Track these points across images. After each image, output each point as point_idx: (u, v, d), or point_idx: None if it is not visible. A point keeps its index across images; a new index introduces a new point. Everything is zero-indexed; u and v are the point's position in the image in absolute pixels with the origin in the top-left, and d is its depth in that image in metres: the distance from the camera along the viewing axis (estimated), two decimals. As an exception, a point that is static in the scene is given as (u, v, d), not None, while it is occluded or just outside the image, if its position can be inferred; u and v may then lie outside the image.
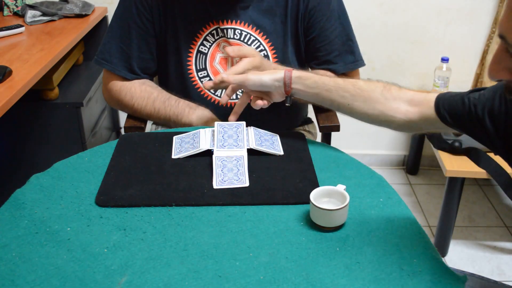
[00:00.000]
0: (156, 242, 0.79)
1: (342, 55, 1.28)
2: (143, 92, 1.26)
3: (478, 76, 2.32)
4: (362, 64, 1.33)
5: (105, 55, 1.26)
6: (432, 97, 0.94)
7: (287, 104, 1.08)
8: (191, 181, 0.93)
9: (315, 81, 1.02)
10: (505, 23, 0.61)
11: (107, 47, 1.26)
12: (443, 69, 2.13)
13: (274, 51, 1.26)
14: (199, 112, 1.22)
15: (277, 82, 1.03)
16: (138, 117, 1.30)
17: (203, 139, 1.03)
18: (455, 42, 2.26)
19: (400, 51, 2.27)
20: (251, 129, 1.07)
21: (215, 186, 0.91)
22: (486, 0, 2.17)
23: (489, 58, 2.24)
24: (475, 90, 0.90)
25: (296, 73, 1.03)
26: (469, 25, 2.22)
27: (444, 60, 2.12)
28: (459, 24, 2.22)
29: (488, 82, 2.30)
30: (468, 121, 0.88)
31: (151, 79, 1.34)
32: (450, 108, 0.91)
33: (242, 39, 1.24)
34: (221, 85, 1.06)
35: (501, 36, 0.62)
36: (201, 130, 1.07)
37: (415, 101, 0.96)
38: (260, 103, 1.05)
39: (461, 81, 2.34)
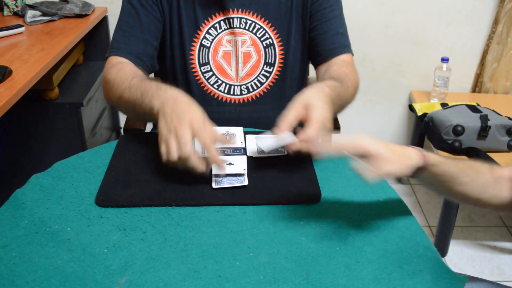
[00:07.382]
0: (156, 242, 0.79)
1: (340, 47, 1.29)
2: (131, 71, 1.16)
3: (478, 76, 2.32)
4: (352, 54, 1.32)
5: (113, 44, 1.24)
6: None
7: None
8: (191, 181, 0.93)
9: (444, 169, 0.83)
10: None
11: (115, 37, 1.24)
12: (443, 69, 2.13)
13: (279, 39, 1.27)
14: (165, 96, 0.98)
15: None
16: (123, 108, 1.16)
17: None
18: (455, 42, 2.26)
19: (401, 51, 2.27)
20: (251, 136, 1.07)
21: (214, 186, 0.91)
22: (486, 1, 2.17)
23: (489, 58, 2.24)
24: None
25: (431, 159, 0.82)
26: (469, 25, 2.22)
27: (444, 60, 2.12)
28: (459, 24, 2.22)
29: (488, 82, 2.30)
30: None
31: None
32: None
33: (247, 28, 1.24)
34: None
35: None
36: None
37: None
38: None
39: (461, 81, 2.35)
